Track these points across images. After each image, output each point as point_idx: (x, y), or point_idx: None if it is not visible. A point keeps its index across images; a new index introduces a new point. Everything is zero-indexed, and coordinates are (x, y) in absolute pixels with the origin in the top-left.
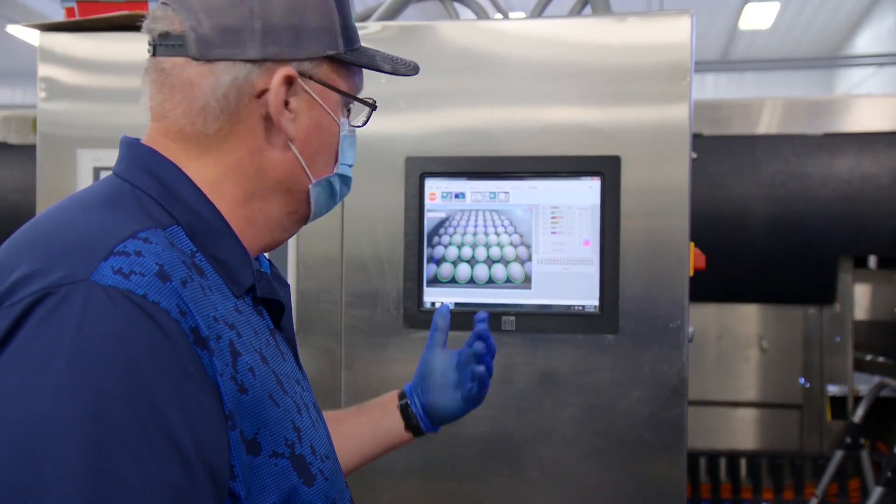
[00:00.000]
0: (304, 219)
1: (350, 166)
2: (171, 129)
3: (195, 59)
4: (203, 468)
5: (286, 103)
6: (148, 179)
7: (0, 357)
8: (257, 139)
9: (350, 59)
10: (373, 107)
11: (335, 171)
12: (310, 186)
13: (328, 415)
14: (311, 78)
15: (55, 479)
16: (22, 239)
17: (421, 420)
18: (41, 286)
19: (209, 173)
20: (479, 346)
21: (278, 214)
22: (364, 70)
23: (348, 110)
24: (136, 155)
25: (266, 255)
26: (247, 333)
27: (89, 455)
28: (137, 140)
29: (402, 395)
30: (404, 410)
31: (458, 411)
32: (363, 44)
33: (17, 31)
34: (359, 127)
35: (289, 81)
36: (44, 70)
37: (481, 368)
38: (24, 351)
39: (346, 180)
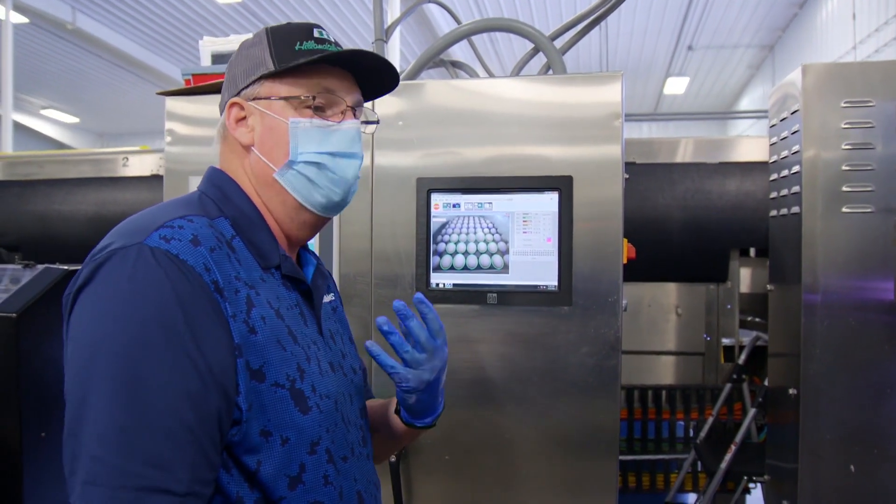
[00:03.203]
0: (301, 208)
1: (329, 154)
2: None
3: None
4: (212, 379)
5: (244, 121)
6: (213, 189)
7: (81, 294)
8: (238, 151)
9: (279, 69)
10: (313, 99)
11: (291, 157)
12: (274, 175)
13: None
14: (256, 98)
15: (102, 378)
16: (118, 226)
17: (406, 420)
18: (113, 248)
19: (240, 179)
20: (392, 339)
21: (275, 205)
22: (374, 102)
23: (316, 108)
24: (211, 175)
25: (316, 253)
26: (266, 294)
27: (128, 362)
28: (214, 166)
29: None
30: (398, 413)
31: (426, 410)
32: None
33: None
34: (336, 121)
35: (237, 106)
36: (168, 125)
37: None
38: (95, 291)
39: (320, 166)
